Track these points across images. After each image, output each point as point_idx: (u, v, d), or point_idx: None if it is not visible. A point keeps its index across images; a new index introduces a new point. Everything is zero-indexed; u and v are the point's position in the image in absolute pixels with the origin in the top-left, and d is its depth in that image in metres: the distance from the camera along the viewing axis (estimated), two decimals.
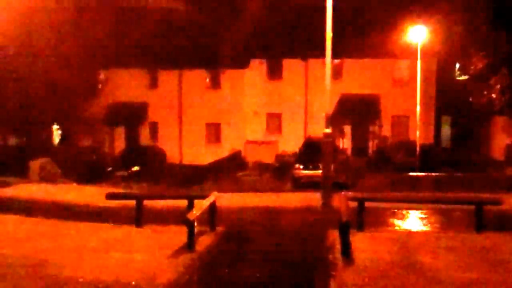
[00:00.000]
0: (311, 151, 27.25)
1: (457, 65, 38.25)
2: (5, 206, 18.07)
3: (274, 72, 41.29)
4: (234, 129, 41.30)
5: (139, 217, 14.29)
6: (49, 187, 24.30)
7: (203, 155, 39.07)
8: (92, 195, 20.78)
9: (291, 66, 40.71)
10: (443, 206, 16.12)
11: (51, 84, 34.09)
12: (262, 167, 36.17)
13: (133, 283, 9.30)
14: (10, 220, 15.30)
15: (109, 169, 35.11)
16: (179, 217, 12.41)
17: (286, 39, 40.05)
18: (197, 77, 42.18)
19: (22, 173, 28.11)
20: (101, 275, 9.67)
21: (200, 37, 40.64)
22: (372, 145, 39.53)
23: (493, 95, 26.24)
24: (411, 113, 36.90)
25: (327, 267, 10.28)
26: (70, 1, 33.89)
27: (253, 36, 39.60)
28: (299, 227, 14.58)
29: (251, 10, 39.09)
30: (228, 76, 41.56)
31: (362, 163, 34.63)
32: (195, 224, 11.68)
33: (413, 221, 15.79)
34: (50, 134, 41.49)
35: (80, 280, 9.43)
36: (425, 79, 36.71)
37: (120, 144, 42.70)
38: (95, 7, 36.78)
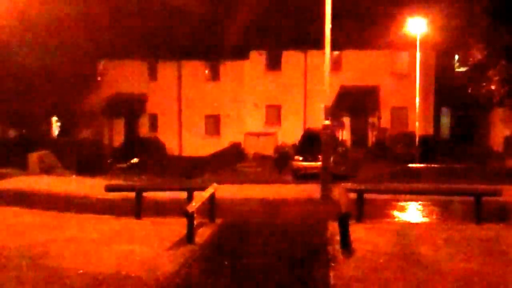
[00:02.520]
0: (311, 142, 27.25)
1: (456, 57, 38.26)
2: (5, 198, 18.07)
3: (274, 64, 41.31)
4: (233, 121, 41.33)
5: (138, 209, 14.29)
6: (48, 179, 24.29)
7: (202, 146, 39.11)
8: (91, 187, 20.77)
9: (291, 57, 40.71)
10: (442, 197, 16.13)
11: (50, 76, 34.06)
12: (261, 159, 36.24)
13: (133, 275, 9.31)
14: (10, 212, 15.30)
15: (109, 161, 35.12)
16: (178, 209, 12.41)
17: (286, 30, 39.98)
18: (196, 69, 42.21)
19: (21, 165, 28.11)
20: (101, 267, 9.68)
21: (199, 29, 40.57)
22: (371, 137, 39.57)
23: (492, 87, 26.18)
24: (410, 105, 36.92)
25: (326, 259, 10.29)
26: None
27: (253, 27, 39.54)
28: (299, 219, 14.58)
29: (250, 2, 39.01)
30: (227, 68, 41.56)
31: (362, 154, 34.72)
32: (195, 216, 11.68)
33: (413, 212, 15.80)
34: (49, 126, 41.51)
35: (80, 271, 9.44)
36: (424, 71, 36.70)
37: (119, 136, 42.72)
38: None
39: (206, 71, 42.52)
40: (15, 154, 30.12)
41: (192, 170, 30.18)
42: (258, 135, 39.79)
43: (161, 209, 15.51)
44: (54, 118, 41.59)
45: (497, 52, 25.58)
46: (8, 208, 16.02)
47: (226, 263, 10.35)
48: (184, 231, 11.62)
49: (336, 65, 37.03)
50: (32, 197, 18.88)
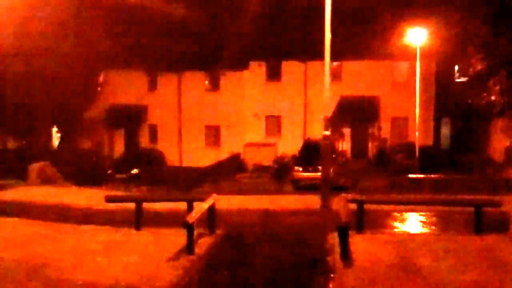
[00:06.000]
0: (310, 153, 27.22)
1: (456, 67, 38.27)
2: (5, 209, 18.05)
3: (273, 74, 41.32)
4: (233, 132, 41.32)
5: (138, 220, 14.28)
6: (48, 190, 24.27)
7: (202, 157, 39.06)
8: (91, 198, 20.76)
9: (290, 68, 40.73)
10: (442, 208, 16.10)
11: (51, 86, 34.09)
12: (261, 170, 36.18)
13: (133, 286, 9.29)
14: (10, 223, 15.29)
15: (109, 171, 35.09)
16: (178, 220, 12.39)
17: (285, 41, 40.01)
18: (196, 80, 42.23)
19: (21, 176, 28.09)
20: (101, 278, 9.67)
21: (199, 40, 40.63)
22: (371, 147, 39.53)
23: (492, 97, 26.22)
24: (411, 115, 36.94)
25: (326, 270, 10.28)
26: (69, 3, 33.82)
27: (252, 38, 39.60)
28: (299, 230, 14.56)
29: (250, 12, 39.08)
30: (227, 79, 41.59)
31: (362, 165, 34.69)
32: (195, 227, 11.67)
33: (413, 223, 15.77)
34: (49, 137, 41.47)
35: (80, 282, 9.43)
36: (424, 81, 36.74)
37: (119, 147, 42.74)
38: (94, 9, 36.72)
39: (206, 82, 42.55)
40: (15, 165, 30.12)
41: (192, 181, 30.15)
42: (258, 145, 39.76)
43: (161, 220, 15.50)
44: (54, 129, 41.56)
45: (497, 62, 25.62)
46: (8, 219, 16.00)
47: (225, 274, 10.33)
48: (184, 242, 11.61)
49: (336, 75, 37.09)
50: (32, 208, 18.87)
